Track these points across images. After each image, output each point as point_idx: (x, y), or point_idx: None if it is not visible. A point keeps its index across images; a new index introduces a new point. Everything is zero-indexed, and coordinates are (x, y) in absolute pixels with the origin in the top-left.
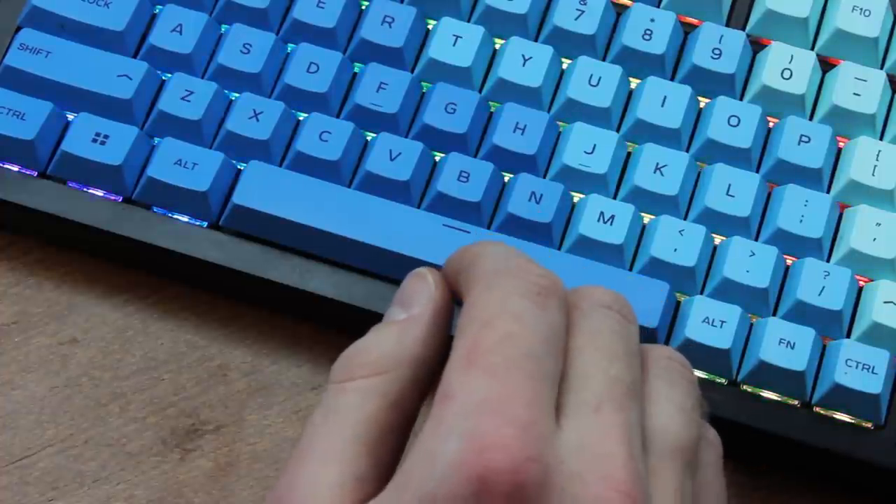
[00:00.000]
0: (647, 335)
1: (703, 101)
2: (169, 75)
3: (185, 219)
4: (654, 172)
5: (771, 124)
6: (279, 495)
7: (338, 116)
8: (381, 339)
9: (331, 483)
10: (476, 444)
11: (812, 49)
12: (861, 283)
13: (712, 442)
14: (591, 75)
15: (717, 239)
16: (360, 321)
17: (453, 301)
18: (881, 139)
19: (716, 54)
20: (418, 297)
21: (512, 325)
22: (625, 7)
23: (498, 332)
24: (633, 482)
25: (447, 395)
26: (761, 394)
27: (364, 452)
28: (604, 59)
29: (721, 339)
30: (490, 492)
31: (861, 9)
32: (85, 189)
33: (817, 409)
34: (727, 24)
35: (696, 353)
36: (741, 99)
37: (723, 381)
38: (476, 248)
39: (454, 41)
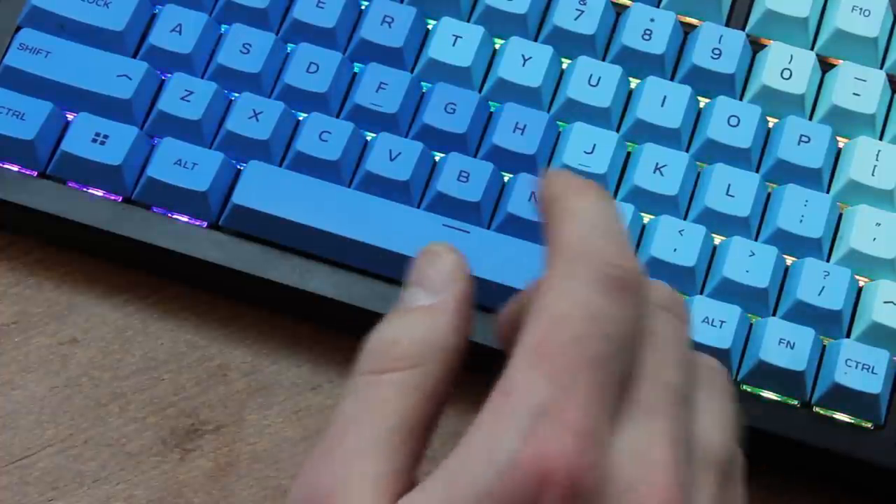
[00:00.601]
0: None
1: (702, 101)
2: (169, 75)
3: (185, 219)
4: (654, 172)
5: (771, 124)
6: (311, 483)
7: (338, 116)
8: (411, 327)
9: (369, 475)
10: (536, 447)
11: (812, 49)
12: (861, 283)
13: (741, 457)
14: (591, 75)
15: (717, 239)
16: (360, 321)
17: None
18: (881, 139)
19: (716, 54)
20: (442, 280)
21: (584, 325)
22: (625, 7)
23: (568, 331)
24: (676, 491)
25: (509, 390)
26: (761, 394)
27: (401, 445)
28: (604, 59)
29: (721, 339)
30: (548, 495)
31: (861, 9)
32: (85, 189)
33: (817, 409)
34: (727, 24)
35: None
36: (741, 99)
37: None
38: (573, 201)
39: (454, 41)
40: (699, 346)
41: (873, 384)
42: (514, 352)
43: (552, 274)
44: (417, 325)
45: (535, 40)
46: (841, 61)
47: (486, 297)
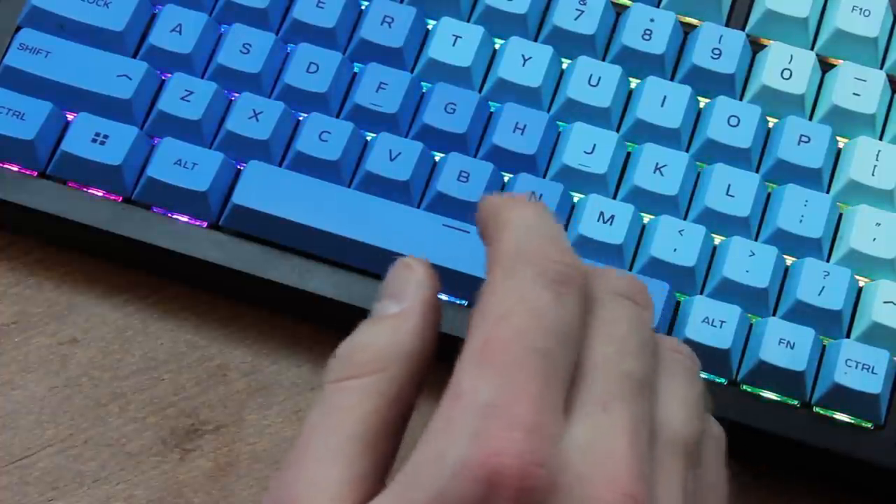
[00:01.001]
0: None
1: (702, 101)
2: (169, 75)
3: (185, 219)
4: (654, 172)
5: (771, 124)
6: (278, 494)
7: (338, 116)
8: (376, 335)
9: (333, 482)
10: (485, 446)
11: (812, 49)
12: (861, 283)
13: (715, 436)
14: (591, 75)
15: (717, 239)
16: (360, 321)
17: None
18: (881, 139)
19: (716, 54)
20: (408, 289)
21: (527, 321)
22: (625, 7)
23: (511, 328)
24: (637, 483)
25: (457, 393)
26: (761, 394)
27: (365, 451)
28: (604, 59)
29: (721, 339)
30: (498, 494)
31: (861, 9)
32: (85, 189)
33: (817, 409)
34: (727, 24)
35: (696, 353)
36: (741, 99)
37: (723, 381)
38: (506, 213)
39: (454, 41)
40: (699, 346)
41: (873, 384)
42: (460, 356)
43: (492, 279)
44: (382, 332)
45: (535, 40)
46: (841, 61)
47: None
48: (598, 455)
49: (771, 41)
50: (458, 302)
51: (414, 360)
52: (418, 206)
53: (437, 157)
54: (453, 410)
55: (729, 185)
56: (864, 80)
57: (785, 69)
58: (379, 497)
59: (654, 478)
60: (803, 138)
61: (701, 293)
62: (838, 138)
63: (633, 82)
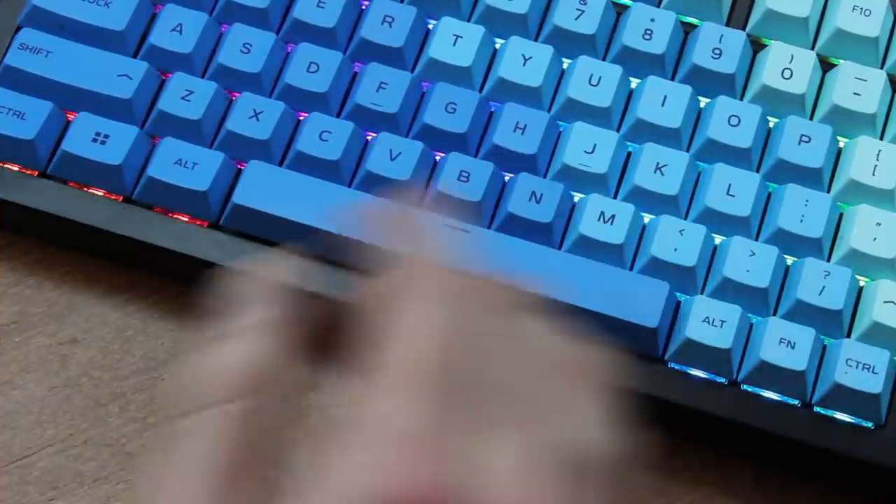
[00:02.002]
0: (647, 335)
1: (703, 101)
2: (169, 75)
3: (185, 219)
4: (655, 172)
5: (771, 124)
6: None
7: (338, 116)
8: (230, 356)
9: None
10: (379, 470)
11: (812, 49)
12: (861, 282)
13: (610, 449)
14: (591, 75)
15: (718, 239)
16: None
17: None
18: (881, 139)
19: (716, 54)
20: (258, 302)
21: (423, 342)
22: (625, 7)
23: (406, 350)
24: (525, 500)
25: (349, 417)
26: (762, 394)
27: (231, 485)
28: (604, 59)
29: (721, 338)
30: None
31: (861, 9)
32: (85, 189)
33: (817, 409)
34: (727, 24)
35: (696, 353)
36: (741, 99)
37: (723, 380)
38: (403, 232)
39: (454, 41)
40: (699, 346)
41: (874, 384)
42: (350, 378)
43: (382, 297)
44: (237, 353)
45: (536, 40)
46: (841, 61)
47: None
48: (491, 472)
49: (771, 41)
50: None
51: (276, 380)
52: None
53: (438, 157)
54: (350, 440)
55: (729, 185)
56: (865, 80)
57: (785, 69)
58: None
59: (541, 492)
60: (804, 138)
61: (701, 293)
62: (839, 138)
63: (634, 82)
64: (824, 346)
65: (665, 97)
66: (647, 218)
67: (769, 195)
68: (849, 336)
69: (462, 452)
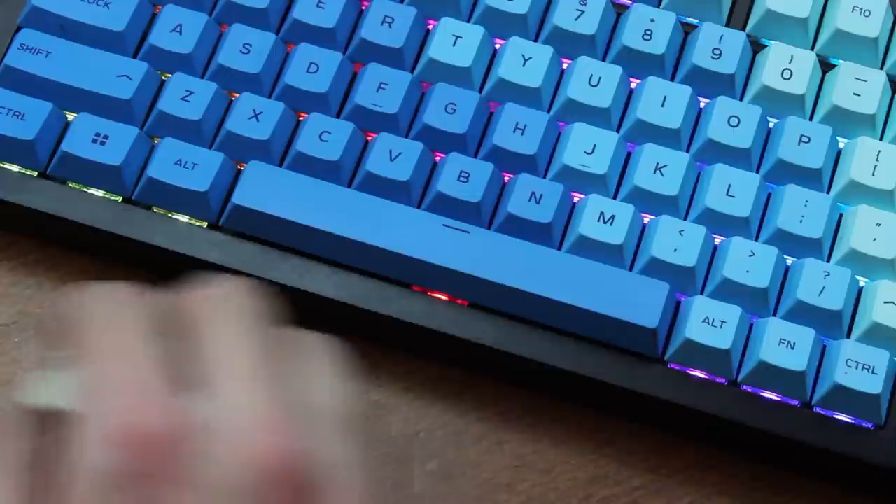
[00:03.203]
0: (647, 336)
1: (703, 102)
2: (169, 75)
3: (185, 219)
4: (654, 172)
5: (771, 124)
6: None
7: (338, 116)
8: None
9: None
10: (121, 415)
11: (812, 49)
12: (861, 283)
13: (337, 412)
14: (591, 75)
15: (717, 239)
16: (360, 321)
17: None
18: (881, 139)
19: (716, 54)
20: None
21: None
22: (625, 7)
23: (98, 369)
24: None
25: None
26: (761, 394)
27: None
28: (604, 60)
29: (721, 339)
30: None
31: (861, 9)
32: (85, 189)
33: (817, 409)
34: (727, 25)
35: (696, 354)
36: (741, 99)
37: (723, 381)
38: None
39: (454, 41)
40: (699, 346)
41: (873, 384)
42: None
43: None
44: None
45: (536, 40)
46: (841, 62)
47: (488, 297)
48: (226, 407)
49: (771, 41)
50: (457, 302)
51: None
52: (418, 207)
53: (438, 157)
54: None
55: (729, 186)
56: (865, 81)
57: (785, 69)
58: None
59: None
60: (803, 138)
61: (701, 293)
62: (839, 138)
63: (634, 82)
64: (824, 347)
65: (665, 97)
66: (646, 218)
67: (769, 196)
68: (849, 336)
69: (197, 400)
